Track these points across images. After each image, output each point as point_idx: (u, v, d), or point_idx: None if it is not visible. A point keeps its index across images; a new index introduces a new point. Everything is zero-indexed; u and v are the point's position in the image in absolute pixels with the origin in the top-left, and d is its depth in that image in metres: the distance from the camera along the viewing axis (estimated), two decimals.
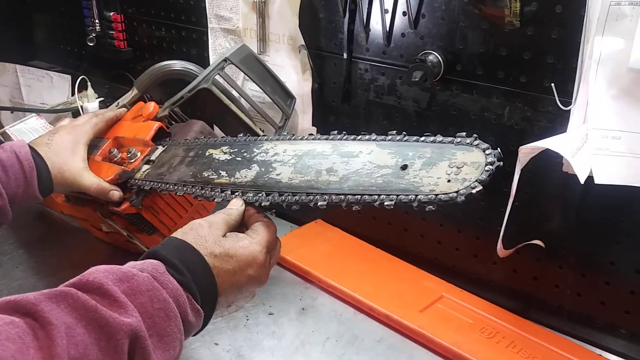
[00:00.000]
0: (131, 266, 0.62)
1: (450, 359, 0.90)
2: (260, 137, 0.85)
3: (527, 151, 0.83)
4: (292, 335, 0.95)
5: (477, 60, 0.94)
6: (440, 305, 1.00)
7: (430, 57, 0.97)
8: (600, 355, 0.93)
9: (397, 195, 0.63)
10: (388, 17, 1.00)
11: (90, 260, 1.16)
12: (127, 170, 0.96)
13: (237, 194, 0.77)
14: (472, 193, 0.59)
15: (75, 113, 1.35)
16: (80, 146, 0.99)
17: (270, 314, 1.00)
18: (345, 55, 1.08)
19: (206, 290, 0.65)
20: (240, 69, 1.08)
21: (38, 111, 1.38)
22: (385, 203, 0.64)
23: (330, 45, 1.11)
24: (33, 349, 0.49)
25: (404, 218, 1.12)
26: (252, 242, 0.71)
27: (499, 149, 0.62)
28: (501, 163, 0.61)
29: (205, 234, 0.69)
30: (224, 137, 0.91)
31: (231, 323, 0.97)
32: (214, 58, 1.27)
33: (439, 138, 0.66)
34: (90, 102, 1.36)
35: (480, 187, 0.59)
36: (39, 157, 0.94)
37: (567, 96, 0.84)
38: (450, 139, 0.65)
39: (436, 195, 0.61)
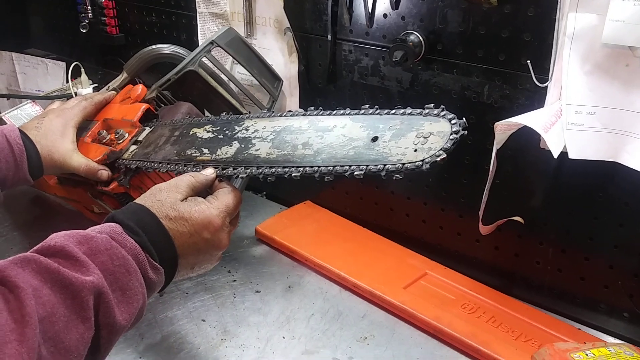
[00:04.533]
0: (90, 230, 0.64)
1: (431, 333, 0.92)
2: (242, 115, 0.86)
3: (503, 128, 0.85)
4: (277, 311, 0.97)
5: (457, 40, 0.95)
6: (423, 282, 1.02)
7: (412, 37, 0.98)
8: (579, 329, 0.94)
9: (367, 166, 0.65)
10: None
11: None
12: (115, 150, 0.98)
13: (217, 170, 0.80)
14: (436, 161, 0.61)
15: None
16: (69, 129, 1.01)
17: (257, 291, 1.02)
18: (329, 37, 1.09)
19: (164, 249, 0.68)
20: (227, 52, 1.10)
21: (33, 98, 1.40)
22: (355, 173, 0.65)
23: (315, 27, 1.12)
24: (5, 312, 0.51)
25: (389, 198, 1.13)
26: (209, 207, 0.73)
27: (464, 119, 0.64)
28: (466, 132, 0.63)
29: (162, 197, 0.71)
30: (208, 116, 0.92)
31: (218, 300, 0.99)
32: (202, 42, 1.29)
33: (409, 110, 0.68)
34: (84, 88, 1.38)
35: (445, 155, 0.61)
36: (29, 141, 0.96)
37: (544, 73, 0.86)
38: (419, 110, 0.67)
39: (403, 164, 0.62)
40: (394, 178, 0.63)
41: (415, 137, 0.64)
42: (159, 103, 1.08)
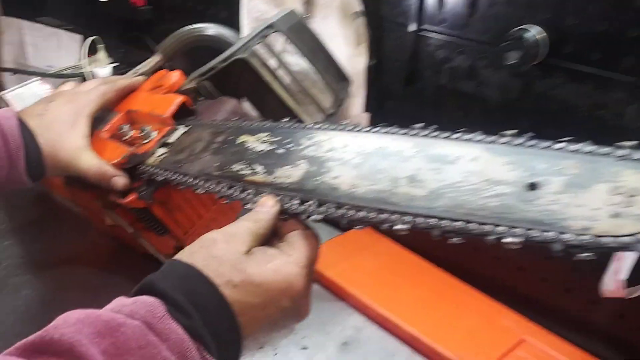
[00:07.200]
0: (117, 309, 0.43)
1: None
2: (311, 125, 0.64)
3: None
4: None
5: (593, 41, 0.72)
6: (520, 352, 0.79)
7: (529, 34, 0.75)
8: None
9: (527, 230, 0.42)
10: None
11: (89, 258, 0.98)
12: (137, 153, 0.77)
13: (279, 197, 0.57)
14: None
15: (84, 80, 1.16)
16: (82, 119, 0.80)
17: (303, 347, 0.79)
18: (412, 27, 0.86)
19: (224, 334, 0.47)
20: (289, 40, 0.87)
21: (42, 75, 1.20)
22: (508, 240, 0.42)
23: (394, 12, 0.89)
24: None
25: None
26: (286, 262, 0.51)
27: None
28: None
29: (220, 253, 0.49)
30: (262, 120, 0.70)
31: (256, 356, 0.77)
32: (247, 24, 1.06)
33: (588, 147, 0.44)
34: (102, 67, 1.17)
35: None
36: (28, 132, 0.76)
37: None
38: (606, 149, 0.43)
39: (597, 237, 0.39)
40: (576, 258, 0.41)
41: (609, 192, 0.41)
42: (197, 97, 0.85)
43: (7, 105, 1.10)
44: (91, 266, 0.94)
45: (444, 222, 0.46)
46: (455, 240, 0.46)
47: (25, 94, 1.14)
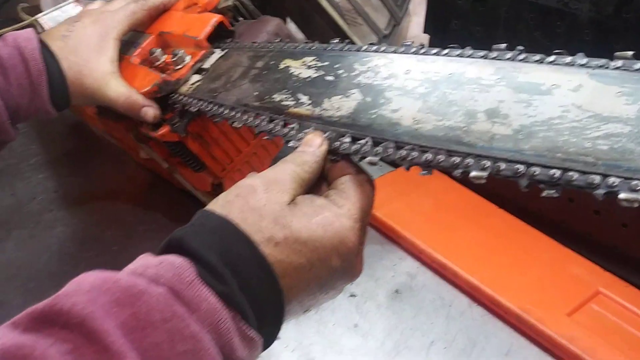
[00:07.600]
0: (140, 271, 0.36)
1: None
2: (366, 47, 0.54)
3: None
4: (381, 331, 0.69)
5: None
6: (595, 306, 0.71)
7: None
8: None
9: None
10: None
11: (125, 193, 0.91)
12: (169, 80, 0.70)
13: (326, 134, 0.49)
14: None
15: None
16: (109, 41, 0.73)
17: (351, 295, 0.73)
18: None
19: (264, 301, 0.40)
20: None
21: None
22: (623, 196, 0.33)
23: None
24: None
25: None
26: (337, 215, 0.43)
27: None
28: None
29: (260, 204, 0.42)
30: (308, 42, 0.61)
31: None
32: None
33: None
34: None
35: None
36: (51, 56, 0.70)
37: None
38: None
39: None
40: None
41: None
42: (236, 16, 0.76)
43: (43, 29, 1.05)
44: (127, 201, 0.89)
45: (535, 170, 0.37)
46: (548, 193, 0.37)
47: (61, 17, 1.07)
